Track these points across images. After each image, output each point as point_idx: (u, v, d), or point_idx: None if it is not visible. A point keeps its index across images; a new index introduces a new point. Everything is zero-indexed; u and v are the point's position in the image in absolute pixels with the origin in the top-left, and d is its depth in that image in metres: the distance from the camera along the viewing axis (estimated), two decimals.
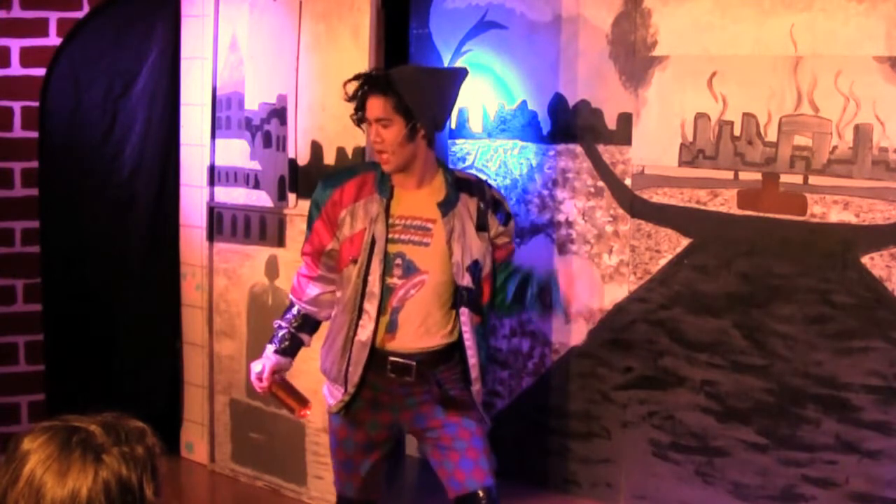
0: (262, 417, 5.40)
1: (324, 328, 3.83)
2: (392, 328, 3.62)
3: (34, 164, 5.59)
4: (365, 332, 3.61)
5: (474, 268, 3.63)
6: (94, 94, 5.65)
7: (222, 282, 5.59)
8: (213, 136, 5.57)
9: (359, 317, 3.62)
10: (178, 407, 5.80)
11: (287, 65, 5.20)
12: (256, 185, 5.40)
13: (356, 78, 3.65)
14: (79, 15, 5.58)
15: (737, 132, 4.81)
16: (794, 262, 4.70)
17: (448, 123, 5.04)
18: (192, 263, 5.71)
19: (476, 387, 3.69)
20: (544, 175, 5.34)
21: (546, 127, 5.34)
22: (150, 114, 5.73)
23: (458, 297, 3.63)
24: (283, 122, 5.23)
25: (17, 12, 5.49)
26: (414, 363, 3.61)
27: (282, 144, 5.26)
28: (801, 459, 4.70)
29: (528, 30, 5.37)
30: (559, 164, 5.31)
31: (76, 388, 5.60)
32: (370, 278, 3.60)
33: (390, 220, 3.62)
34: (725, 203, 4.86)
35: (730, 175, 4.84)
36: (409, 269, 3.61)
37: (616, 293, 5.19)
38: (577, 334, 5.32)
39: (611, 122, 5.15)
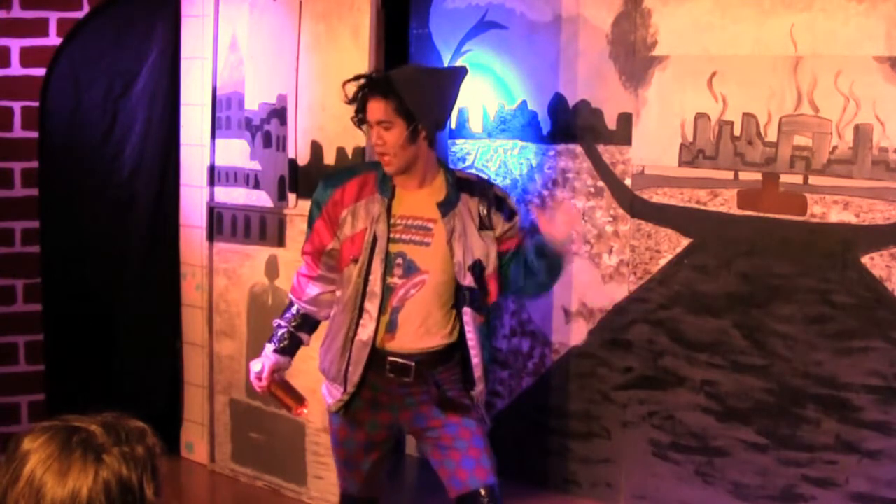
0: (262, 417, 5.40)
1: (323, 328, 3.83)
2: (392, 328, 3.62)
3: (34, 164, 5.59)
4: (366, 332, 3.61)
5: (476, 267, 3.62)
6: (94, 94, 5.65)
7: (222, 282, 5.59)
8: (213, 136, 5.57)
9: (359, 316, 3.62)
10: (178, 407, 5.80)
11: (287, 65, 5.20)
12: (256, 185, 5.40)
13: (356, 79, 3.65)
14: (79, 15, 5.58)
15: (737, 132, 4.81)
16: (794, 262, 4.70)
17: (448, 123, 5.04)
18: (192, 263, 5.71)
19: (480, 387, 3.69)
20: (544, 175, 5.34)
21: (546, 127, 5.34)
22: (150, 114, 5.73)
23: (460, 297, 3.63)
24: (283, 122, 5.23)
25: (17, 12, 5.49)
26: (413, 364, 3.60)
27: (282, 144, 5.26)
28: (801, 459, 4.70)
29: (528, 30, 5.37)
30: (559, 164, 5.32)
31: (76, 388, 5.60)
32: (371, 278, 3.60)
33: (392, 220, 3.62)
34: (725, 203, 4.86)
35: (730, 175, 4.84)
36: (410, 269, 3.61)
37: (616, 293, 5.19)
38: (577, 334, 5.32)
39: (611, 122, 5.15)
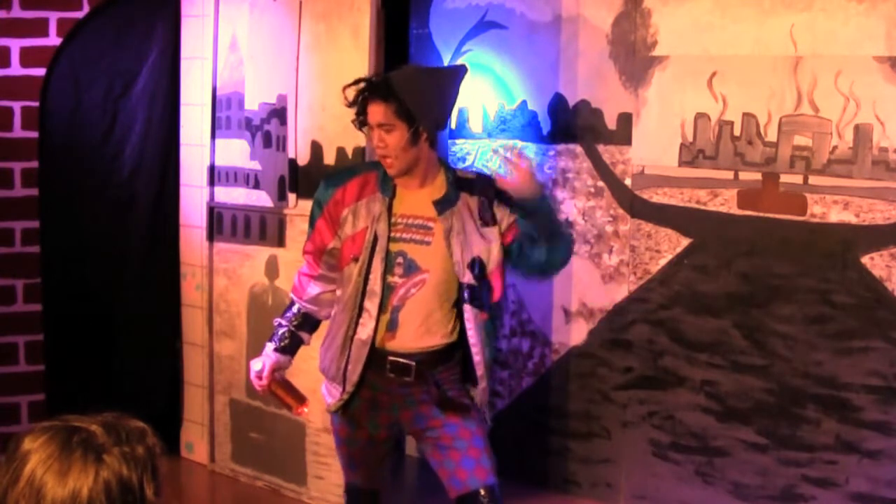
0: (262, 417, 5.40)
1: (323, 327, 3.84)
2: (392, 327, 3.62)
3: (34, 164, 5.59)
4: (365, 331, 3.61)
5: (476, 265, 3.62)
6: (94, 94, 5.65)
7: (222, 282, 5.59)
8: (213, 136, 5.57)
9: (359, 315, 3.62)
10: (178, 407, 5.80)
11: (287, 65, 5.20)
12: (256, 185, 5.40)
13: (355, 83, 3.65)
14: (79, 15, 5.58)
15: (737, 132, 4.81)
16: (794, 262, 4.70)
17: (449, 122, 5.04)
18: (192, 263, 5.71)
19: (482, 385, 3.68)
20: (544, 175, 5.34)
21: (546, 127, 5.34)
22: (150, 114, 5.73)
23: (460, 295, 3.63)
24: (283, 122, 5.23)
25: (17, 12, 5.48)
26: (413, 363, 3.60)
27: (282, 144, 5.26)
28: (801, 459, 4.70)
29: (528, 30, 5.37)
30: (559, 164, 5.32)
31: (76, 388, 5.60)
32: (371, 276, 3.60)
33: (392, 219, 3.62)
34: (725, 203, 4.86)
35: (730, 175, 4.84)
36: (411, 268, 3.61)
37: (616, 293, 5.19)
38: (577, 334, 5.32)
39: (611, 122, 5.15)
